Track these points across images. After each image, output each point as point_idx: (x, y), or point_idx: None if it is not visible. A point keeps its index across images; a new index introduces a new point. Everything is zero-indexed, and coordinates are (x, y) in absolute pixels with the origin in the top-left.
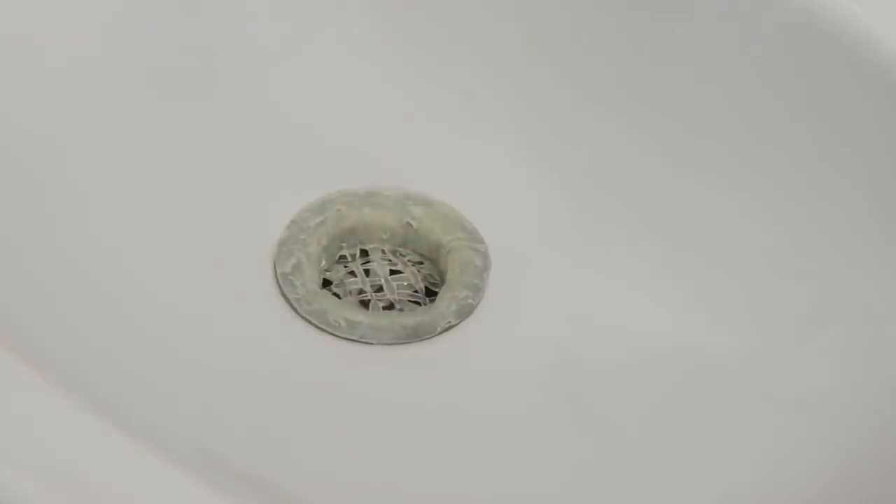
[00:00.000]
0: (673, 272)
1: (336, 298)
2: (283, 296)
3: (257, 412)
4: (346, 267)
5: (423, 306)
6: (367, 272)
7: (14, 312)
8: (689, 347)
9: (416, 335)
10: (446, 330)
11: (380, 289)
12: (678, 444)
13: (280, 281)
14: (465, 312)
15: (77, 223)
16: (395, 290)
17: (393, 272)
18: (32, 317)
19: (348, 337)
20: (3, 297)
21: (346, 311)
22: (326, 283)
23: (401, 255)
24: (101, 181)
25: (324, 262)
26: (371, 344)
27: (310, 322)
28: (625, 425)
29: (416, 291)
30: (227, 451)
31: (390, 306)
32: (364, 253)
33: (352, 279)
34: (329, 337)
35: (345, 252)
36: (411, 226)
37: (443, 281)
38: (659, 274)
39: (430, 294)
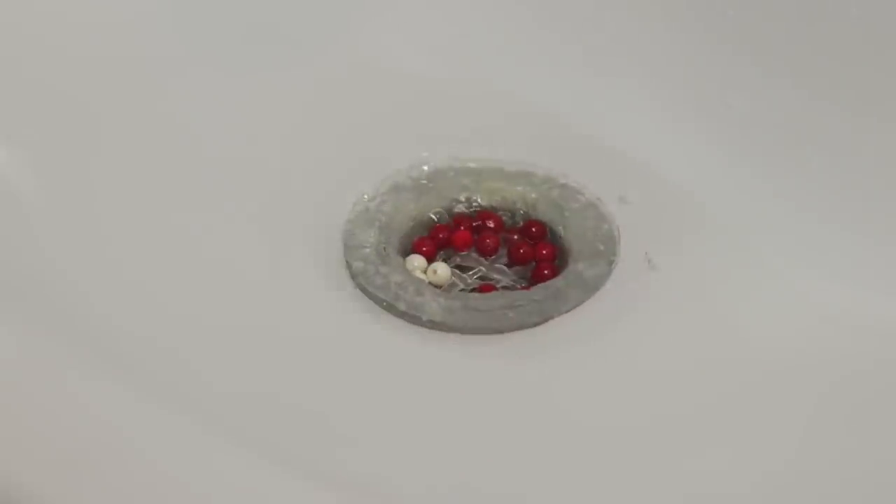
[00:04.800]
0: (841, 239)
1: (423, 281)
2: (358, 284)
3: (328, 400)
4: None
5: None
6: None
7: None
8: (871, 324)
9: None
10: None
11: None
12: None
13: (355, 268)
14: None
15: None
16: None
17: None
18: (91, 297)
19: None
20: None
21: (437, 297)
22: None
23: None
24: (163, 151)
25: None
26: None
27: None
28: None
29: (522, 277)
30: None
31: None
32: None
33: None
34: (403, 322)
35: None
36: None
37: (565, 258)
38: (825, 242)
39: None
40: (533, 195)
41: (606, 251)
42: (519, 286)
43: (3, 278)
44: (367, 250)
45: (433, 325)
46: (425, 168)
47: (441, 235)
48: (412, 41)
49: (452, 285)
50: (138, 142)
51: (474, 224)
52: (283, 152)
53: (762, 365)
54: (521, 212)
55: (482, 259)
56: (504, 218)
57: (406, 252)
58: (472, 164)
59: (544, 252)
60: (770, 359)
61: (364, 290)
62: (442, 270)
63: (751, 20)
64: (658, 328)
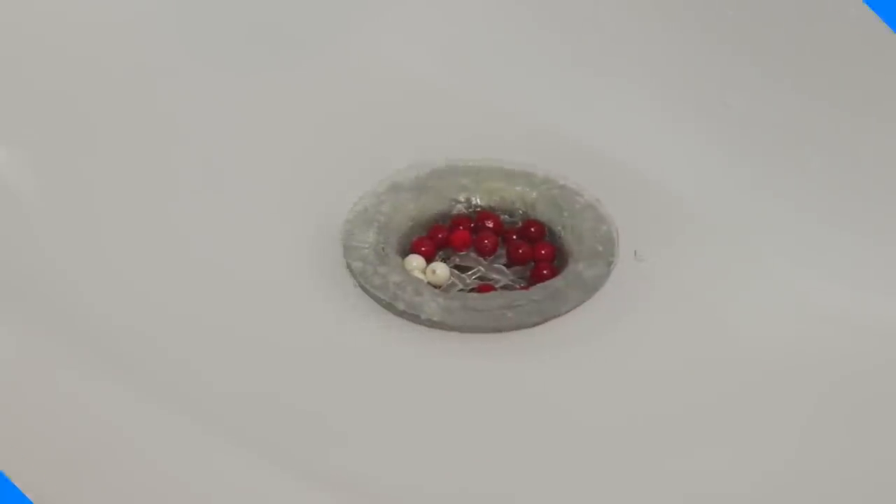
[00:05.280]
0: (841, 239)
1: (422, 281)
2: (357, 284)
3: (327, 400)
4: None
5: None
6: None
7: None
8: (871, 324)
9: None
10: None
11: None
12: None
13: (354, 268)
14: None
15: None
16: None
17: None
18: (91, 297)
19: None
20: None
21: (436, 297)
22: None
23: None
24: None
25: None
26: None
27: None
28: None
29: (521, 277)
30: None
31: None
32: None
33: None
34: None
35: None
36: (524, 202)
37: (564, 259)
38: (825, 242)
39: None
40: (532, 195)
41: (605, 252)
42: (518, 286)
43: (3, 278)
44: (366, 250)
45: (432, 324)
46: (424, 168)
47: (440, 235)
48: (412, 41)
49: (451, 285)
50: (138, 142)
51: (473, 224)
52: (282, 152)
53: (762, 365)
54: (521, 212)
55: (481, 259)
56: (503, 218)
57: (405, 252)
58: (471, 164)
59: (543, 252)
60: (770, 359)
61: (363, 290)
62: (441, 270)
63: (750, 20)
64: (657, 328)
